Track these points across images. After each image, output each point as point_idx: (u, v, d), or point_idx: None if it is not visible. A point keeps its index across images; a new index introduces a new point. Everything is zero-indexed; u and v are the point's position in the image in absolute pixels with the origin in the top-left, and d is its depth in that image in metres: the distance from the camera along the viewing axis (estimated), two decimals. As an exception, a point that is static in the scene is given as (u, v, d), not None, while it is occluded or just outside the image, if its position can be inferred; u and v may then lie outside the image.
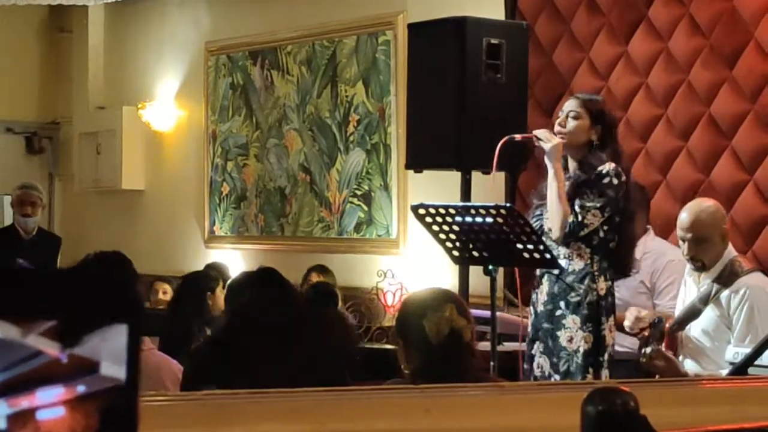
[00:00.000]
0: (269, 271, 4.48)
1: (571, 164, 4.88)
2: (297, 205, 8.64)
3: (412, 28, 6.21)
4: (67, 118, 10.74)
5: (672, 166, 6.21)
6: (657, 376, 4.70)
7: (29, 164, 10.88)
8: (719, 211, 4.93)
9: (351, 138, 8.21)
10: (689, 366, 4.83)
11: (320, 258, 7.81)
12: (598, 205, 4.76)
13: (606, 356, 4.75)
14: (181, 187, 9.63)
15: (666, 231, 5.77)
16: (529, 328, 4.91)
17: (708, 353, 4.81)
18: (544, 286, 4.84)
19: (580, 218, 4.75)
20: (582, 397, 1.32)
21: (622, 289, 5.14)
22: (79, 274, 0.78)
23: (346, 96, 8.23)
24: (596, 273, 4.77)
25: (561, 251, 4.79)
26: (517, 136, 4.94)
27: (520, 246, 4.62)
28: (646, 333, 4.88)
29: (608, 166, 4.78)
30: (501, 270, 5.07)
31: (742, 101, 5.92)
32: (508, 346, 5.37)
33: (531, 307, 4.93)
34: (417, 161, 6.01)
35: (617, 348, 4.89)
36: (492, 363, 4.53)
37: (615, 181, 4.77)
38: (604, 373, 4.72)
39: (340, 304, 6.54)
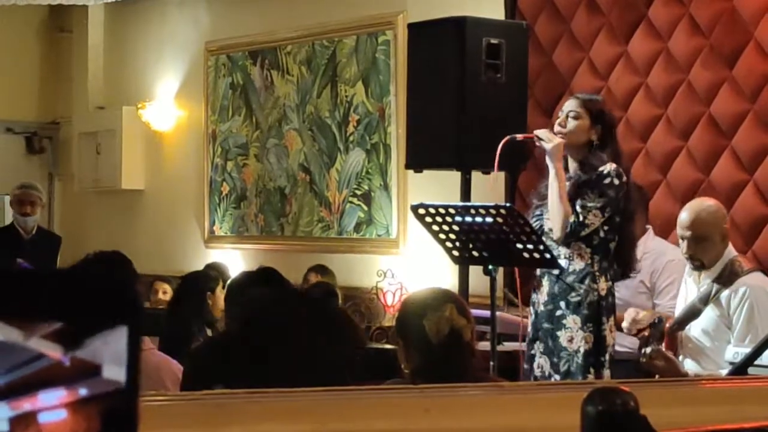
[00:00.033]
0: (269, 271, 4.48)
1: (572, 164, 4.88)
2: (297, 205, 8.64)
3: (412, 27, 6.21)
4: (67, 118, 10.74)
5: (672, 166, 6.21)
6: (657, 376, 4.70)
7: (29, 164, 10.89)
8: (720, 210, 4.93)
9: (351, 138, 8.21)
10: (689, 366, 4.83)
11: (320, 258, 7.81)
12: (599, 205, 4.76)
13: (607, 356, 4.75)
14: (181, 187, 9.63)
15: (666, 231, 5.77)
16: (529, 329, 4.91)
17: (708, 353, 4.81)
18: (545, 287, 4.84)
19: (581, 218, 4.75)
20: (582, 397, 1.32)
21: (622, 289, 5.14)
22: (81, 276, 0.78)
23: (346, 96, 8.23)
24: (597, 273, 4.77)
25: (561, 251, 4.79)
26: (519, 136, 4.94)
27: (520, 246, 4.62)
28: (646, 333, 4.87)
29: (609, 167, 4.78)
30: (501, 270, 5.07)
31: (742, 101, 5.92)
32: (507, 346, 5.37)
33: (531, 308, 4.93)
34: (417, 161, 6.01)
35: (617, 348, 4.89)
36: (492, 363, 4.54)
37: (616, 182, 4.77)
38: (606, 373, 4.71)
39: (339, 304, 6.53)
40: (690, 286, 4.95)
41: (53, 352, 0.75)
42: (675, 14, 6.21)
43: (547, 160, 4.80)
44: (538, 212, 4.93)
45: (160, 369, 4.33)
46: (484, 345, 4.56)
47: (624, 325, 4.94)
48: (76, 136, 10.37)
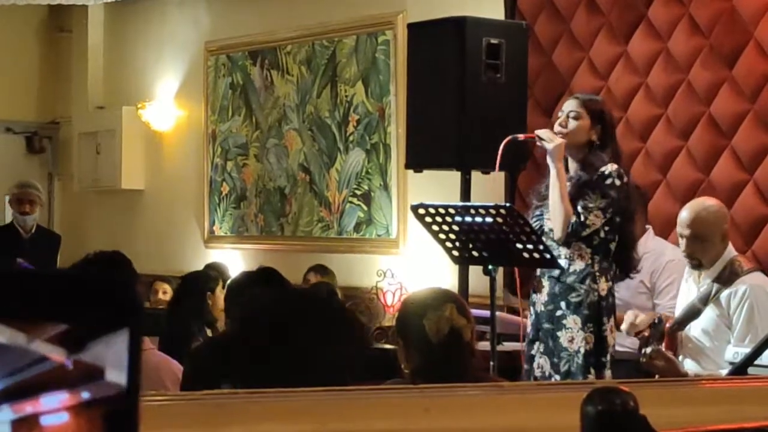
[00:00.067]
0: (269, 271, 4.48)
1: (572, 164, 4.88)
2: (297, 204, 8.64)
3: (412, 27, 6.21)
4: (67, 117, 10.74)
5: (672, 166, 6.21)
6: (657, 376, 4.70)
7: (29, 164, 10.88)
8: (721, 210, 4.93)
9: (351, 138, 8.21)
10: (689, 366, 4.83)
11: (320, 258, 7.82)
12: (601, 205, 4.76)
13: (609, 357, 4.75)
14: (181, 186, 9.63)
15: (665, 231, 5.78)
16: (529, 329, 4.91)
17: (708, 353, 4.81)
18: (545, 287, 4.84)
19: (582, 219, 4.75)
20: (581, 397, 1.32)
21: (622, 289, 5.14)
22: (82, 277, 0.78)
23: (346, 96, 8.23)
24: (597, 273, 4.77)
25: (562, 252, 4.79)
26: (520, 136, 4.94)
27: (519, 246, 4.62)
28: (646, 333, 4.87)
29: (610, 167, 4.78)
30: (500, 269, 5.07)
31: (742, 101, 5.92)
32: (507, 345, 5.37)
33: (531, 308, 4.93)
34: (417, 161, 6.02)
35: (617, 348, 4.89)
36: (491, 363, 4.54)
37: (617, 182, 4.77)
38: (607, 373, 4.71)
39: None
40: (690, 286, 4.95)
41: (56, 355, 0.75)
42: (675, 14, 6.21)
43: (548, 160, 4.80)
44: (538, 212, 4.93)
45: (160, 369, 4.33)
46: (484, 345, 4.56)
47: (623, 327, 4.94)
48: (75, 136, 10.37)
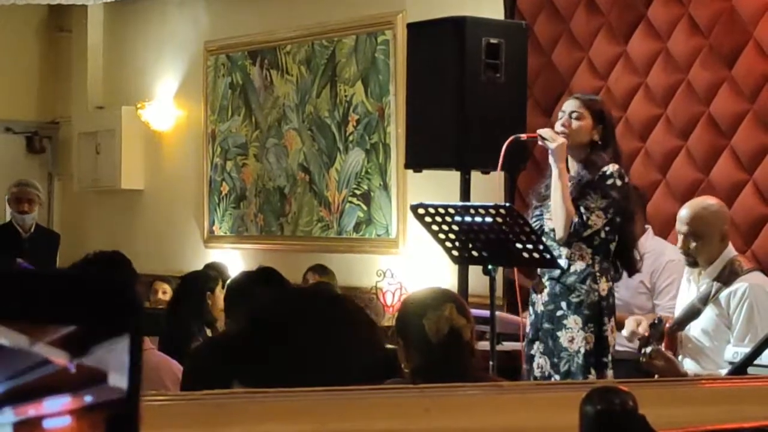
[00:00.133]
0: (269, 270, 4.48)
1: (573, 164, 4.88)
2: (296, 204, 8.64)
3: (412, 27, 6.21)
4: (66, 117, 10.74)
5: (671, 166, 6.21)
6: (656, 376, 4.70)
7: (29, 164, 10.88)
8: (721, 210, 4.93)
9: (350, 138, 8.21)
10: (689, 366, 4.83)
11: (320, 258, 7.81)
12: (603, 206, 4.76)
13: (610, 357, 4.75)
14: (181, 186, 9.63)
15: (665, 231, 5.78)
16: (528, 329, 4.91)
17: (707, 353, 4.81)
18: (545, 287, 4.84)
19: (584, 219, 4.75)
20: (581, 397, 1.32)
21: (622, 290, 5.14)
22: (84, 279, 0.78)
23: (346, 96, 8.23)
24: (598, 274, 4.77)
25: (562, 252, 4.79)
26: (523, 136, 4.94)
27: (519, 246, 4.62)
28: (645, 333, 4.87)
29: (612, 167, 4.78)
30: (500, 274, 5.07)
31: (742, 101, 5.92)
32: (507, 345, 5.37)
33: (530, 308, 4.93)
34: (416, 161, 6.02)
35: (617, 348, 4.89)
36: (491, 362, 4.54)
37: (619, 183, 4.77)
38: (609, 373, 4.72)
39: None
40: (689, 286, 4.95)
41: (59, 358, 0.75)
42: (674, 14, 6.22)
43: (550, 159, 4.80)
44: (537, 212, 4.93)
45: (160, 369, 4.33)
46: (484, 345, 4.56)
47: (624, 333, 4.94)
48: (75, 135, 10.37)
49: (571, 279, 4.78)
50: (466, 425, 1.74)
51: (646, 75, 6.34)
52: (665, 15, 6.25)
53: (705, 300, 4.82)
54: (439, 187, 6.66)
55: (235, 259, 8.72)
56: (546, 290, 4.83)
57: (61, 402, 0.76)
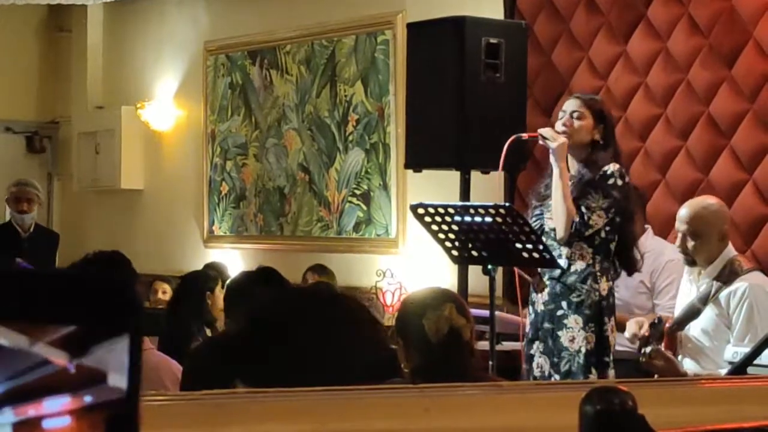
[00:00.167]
0: (269, 270, 4.48)
1: (574, 164, 4.87)
2: (296, 204, 8.64)
3: (411, 27, 6.21)
4: (66, 117, 10.74)
5: (671, 166, 6.21)
6: (656, 376, 4.70)
7: (29, 164, 10.88)
8: (721, 210, 4.93)
9: (350, 137, 8.21)
10: (688, 366, 4.83)
11: (319, 258, 7.81)
12: (604, 206, 4.76)
13: (611, 356, 4.75)
14: (180, 186, 9.63)
15: (665, 231, 5.78)
16: (528, 328, 4.91)
17: (707, 353, 4.81)
18: (546, 286, 4.84)
19: (585, 218, 4.75)
20: (581, 397, 1.32)
21: (622, 289, 5.14)
22: (84, 279, 0.78)
23: (345, 95, 8.23)
24: (598, 273, 4.77)
25: (563, 251, 4.79)
26: (524, 135, 4.94)
27: (519, 245, 4.62)
28: (645, 333, 4.88)
29: (613, 167, 4.78)
30: (500, 274, 5.07)
31: (741, 101, 5.92)
32: (506, 345, 5.37)
33: (530, 307, 4.93)
34: (416, 161, 6.02)
35: (617, 348, 4.89)
36: (490, 362, 4.54)
37: (619, 182, 4.77)
38: (611, 373, 4.72)
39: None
40: (689, 286, 4.95)
41: (59, 358, 0.75)
42: (674, 14, 6.22)
43: (551, 159, 4.80)
44: (537, 212, 4.93)
45: (160, 369, 4.33)
46: (484, 344, 4.56)
47: (626, 336, 4.94)
48: (75, 135, 10.37)
49: (571, 278, 4.77)
50: (465, 425, 1.74)
51: (645, 75, 6.34)
52: (665, 15, 6.25)
53: (705, 300, 4.81)
54: (438, 187, 6.66)
55: (234, 259, 8.72)
56: (546, 290, 4.83)
57: (61, 402, 0.76)
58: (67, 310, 0.76)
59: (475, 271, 5.30)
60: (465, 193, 5.72)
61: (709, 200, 5.00)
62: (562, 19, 6.73)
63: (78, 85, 10.52)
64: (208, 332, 5.26)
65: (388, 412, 1.75)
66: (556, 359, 4.76)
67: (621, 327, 4.97)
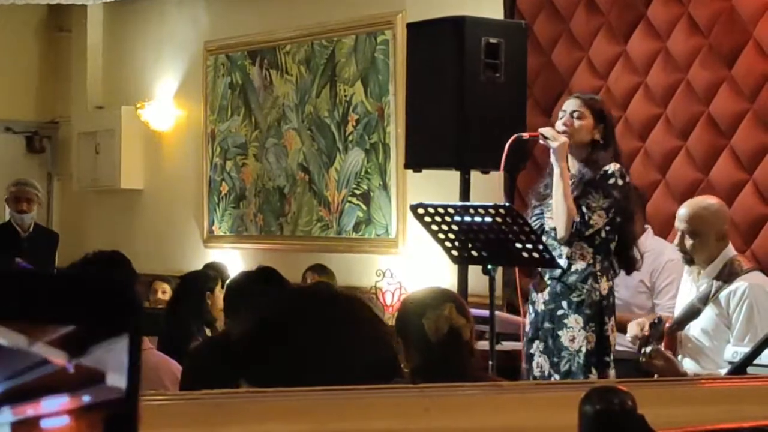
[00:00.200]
0: (269, 270, 4.48)
1: (574, 163, 4.87)
2: (296, 204, 8.64)
3: (411, 27, 6.21)
4: (66, 117, 10.74)
5: (671, 166, 6.21)
6: (656, 376, 4.70)
7: (29, 164, 10.88)
8: (721, 210, 4.93)
9: (350, 137, 8.21)
10: (688, 365, 4.83)
11: (319, 257, 7.81)
12: (605, 205, 4.76)
13: (612, 356, 4.75)
14: (180, 186, 9.63)
15: (664, 230, 5.77)
16: (528, 327, 4.91)
17: (707, 353, 4.81)
18: (547, 286, 4.84)
19: (585, 218, 4.75)
20: (580, 397, 1.32)
21: (622, 289, 5.14)
22: (84, 279, 0.78)
23: (345, 95, 8.23)
24: (599, 273, 4.77)
25: (563, 251, 4.79)
26: (525, 135, 4.94)
27: (519, 245, 4.62)
28: (645, 333, 4.88)
29: (613, 167, 4.78)
30: (499, 269, 5.07)
31: (741, 101, 5.92)
32: (506, 345, 5.37)
33: (530, 306, 4.93)
34: (416, 161, 6.01)
35: (617, 347, 4.89)
36: (490, 362, 4.54)
37: (620, 182, 4.78)
38: (611, 372, 4.72)
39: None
40: (689, 286, 4.95)
41: (57, 358, 0.75)
42: (674, 14, 6.22)
43: (552, 158, 4.80)
44: (537, 211, 4.93)
45: (159, 369, 4.32)
46: (483, 344, 4.56)
47: (628, 337, 4.94)
48: (75, 135, 10.37)
49: (572, 278, 4.78)
50: (465, 425, 1.74)
51: (645, 75, 6.34)
52: (665, 15, 6.25)
53: (705, 300, 4.82)
54: (438, 187, 6.66)
55: (234, 259, 8.72)
56: (547, 289, 4.83)
57: (60, 402, 0.75)
58: (66, 310, 0.76)
59: (475, 271, 5.30)
60: (465, 193, 5.72)
61: (709, 200, 5.00)
62: (562, 19, 6.73)
63: (78, 85, 10.52)
64: (208, 332, 5.26)
65: (388, 412, 1.75)
66: (555, 359, 4.76)
67: (622, 328, 4.97)
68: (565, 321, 4.76)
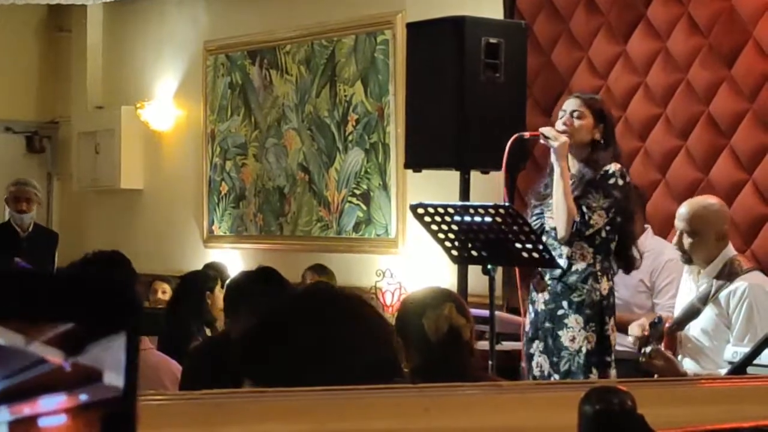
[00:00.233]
0: (268, 270, 4.48)
1: (574, 163, 4.87)
2: (296, 204, 8.64)
3: (411, 27, 6.21)
4: (66, 117, 10.74)
5: (671, 166, 6.21)
6: (656, 376, 4.70)
7: (29, 164, 10.88)
8: (721, 210, 4.93)
9: (350, 137, 8.21)
10: (688, 365, 4.83)
11: (319, 257, 7.81)
12: (605, 205, 4.76)
13: (613, 356, 4.75)
14: (180, 186, 9.63)
15: (664, 230, 5.77)
16: (528, 327, 4.91)
17: (707, 353, 4.81)
18: (548, 286, 4.84)
19: (586, 218, 4.75)
20: (580, 397, 1.32)
21: (622, 289, 5.14)
22: (83, 278, 0.77)
23: (345, 95, 8.23)
24: (599, 273, 4.77)
25: (563, 251, 4.79)
26: (526, 134, 4.94)
27: (518, 245, 4.62)
28: (645, 333, 4.88)
29: (614, 167, 4.79)
30: (499, 269, 5.07)
31: (741, 100, 5.92)
32: (506, 345, 5.37)
33: (530, 306, 4.93)
34: (416, 161, 6.01)
35: (617, 347, 4.89)
36: (490, 362, 4.54)
37: (620, 182, 4.78)
38: (612, 372, 4.72)
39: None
40: (689, 286, 4.95)
41: (54, 357, 0.75)
42: (674, 14, 6.21)
43: (552, 158, 4.80)
44: (537, 211, 4.93)
45: (159, 369, 4.33)
46: (483, 344, 4.56)
47: (629, 339, 4.94)
48: (74, 135, 10.37)
49: (572, 278, 4.78)
50: (465, 425, 1.74)
51: (645, 74, 6.34)
52: (665, 15, 6.25)
53: (704, 300, 4.81)
54: (438, 187, 6.66)
55: (234, 259, 8.72)
56: (548, 289, 4.83)
57: (57, 400, 0.75)
58: (64, 310, 0.76)
59: (474, 271, 5.30)
60: (465, 193, 5.72)
61: (709, 200, 5.00)
62: (562, 19, 6.73)
63: (78, 85, 10.52)
64: (208, 332, 5.26)
65: (387, 412, 1.75)
66: (555, 359, 4.76)
67: (623, 328, 4.97)
68: (566, 321, 4.76)
